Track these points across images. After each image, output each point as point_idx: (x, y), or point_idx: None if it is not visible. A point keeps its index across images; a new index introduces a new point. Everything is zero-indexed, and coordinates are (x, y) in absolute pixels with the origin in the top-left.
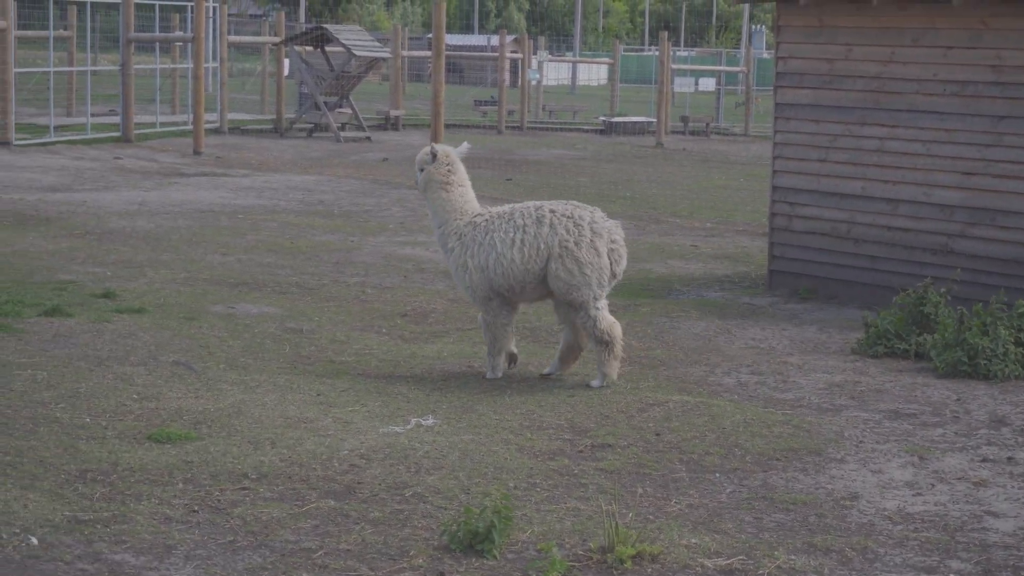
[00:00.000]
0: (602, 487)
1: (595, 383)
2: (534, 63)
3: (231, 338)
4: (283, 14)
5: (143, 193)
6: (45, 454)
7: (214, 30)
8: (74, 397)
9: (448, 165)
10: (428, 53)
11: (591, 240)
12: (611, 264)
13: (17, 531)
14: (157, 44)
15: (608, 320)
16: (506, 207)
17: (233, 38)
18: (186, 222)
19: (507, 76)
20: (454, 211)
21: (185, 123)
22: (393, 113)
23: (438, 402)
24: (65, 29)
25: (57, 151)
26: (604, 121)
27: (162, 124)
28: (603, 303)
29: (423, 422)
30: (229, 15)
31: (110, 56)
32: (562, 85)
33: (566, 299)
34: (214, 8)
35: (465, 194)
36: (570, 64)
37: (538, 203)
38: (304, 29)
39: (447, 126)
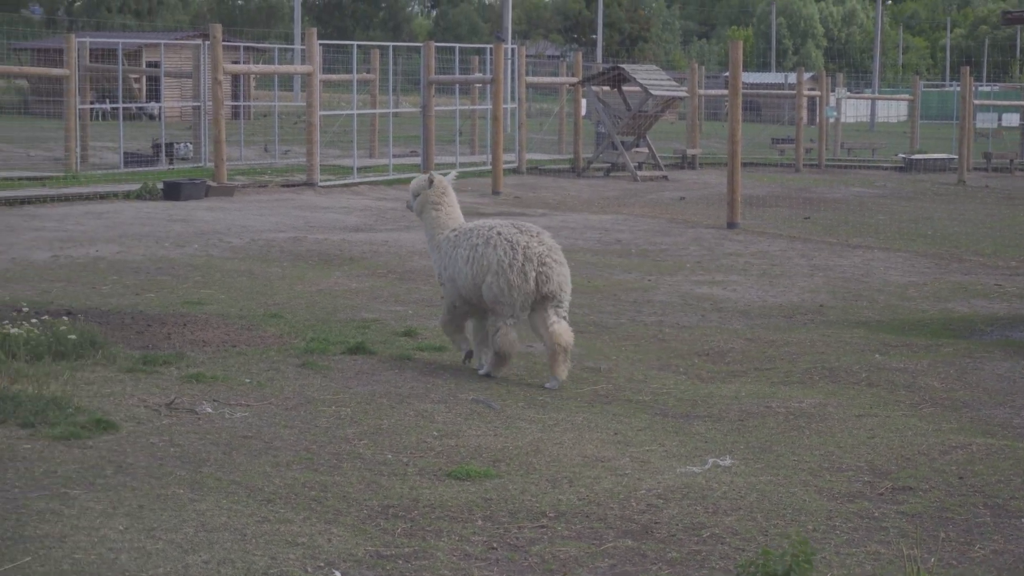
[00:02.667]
0: (903, 531)
1: (481, 371)
2: (832, 100)
3: (529, 376)
4: (580, 54)
5: None
6: (348, 489)
7: (512, 71)
8: (376, 433)
9: (442, 189)
10: (725, 91)
11: (522, 264)
12: (537, 286)
13: (321, 565)
14: (457, 86)
15: (508, 338)
16: (472, 224)
17: (531, 79)
18: None
19: (805, 114)
20: (440, 227)
21: (484, 163)
22: (690, 152)
23: (735, 442)
24: (368, 72)
25: (360, 192)
26: (903, 158)
27: (462, 164)
28: (511, 322)
29: (720, 462)
30: (527, 56)
31: (411, 98)
32: (861, 122)
33: (490, 307)
34: (512, 50)
35: (452, 213)
36: (869, 101)
37: (492, 223)
38: (601, 69)
39: (744, 164)
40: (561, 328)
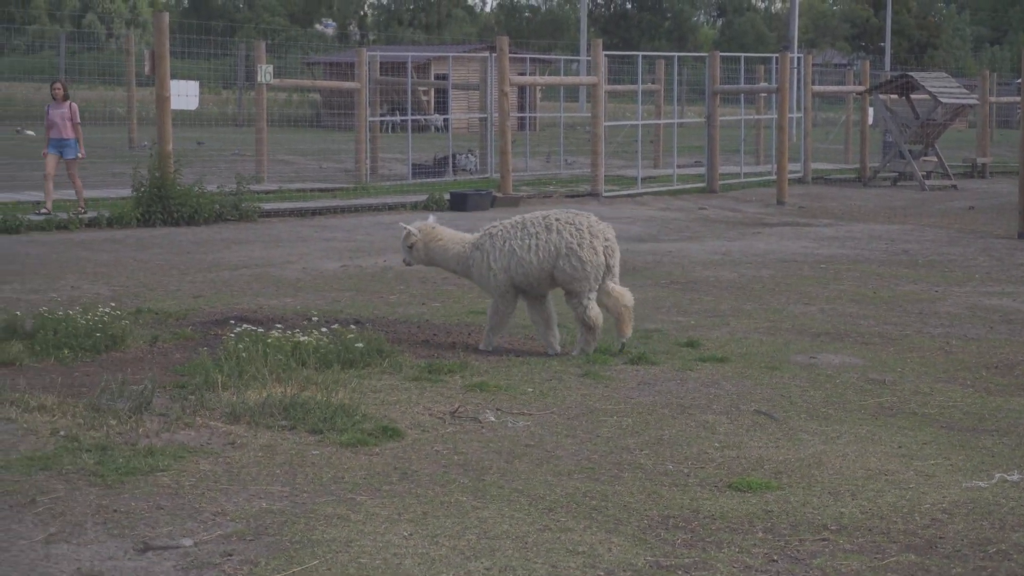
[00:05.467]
0: None
1: (575, 352)
2: None
3: (812, 388)
4: (868, 63)
5: (726, 243)
6: (629, 499)
7: (798, 80)
8: (657, 444)
9: (430, 226)
10: (1017, 98)
11: (590, 241)
12: (606, 259)
13: (601, 573)
14: (742, 96)
15: (595, 310)
16: (516, 218)
17: (817, 88)
18: (769, 272)
19: None
20: (455, 244)
21: (769, 173)
22: (980, 160)
23: None
24: (653, 83)
25: (644, 202)
26: None
27: (746, 175)
28: (593, 295)
29: (1008, 477)
30: (813, 65)
31: (696, 108)
32: None
33: (567, 288)
34: (799, 59)
35: (453, 234)
36: None
37: (544, 213)
38: (889, 77)
39: None
40: (622, 289)
